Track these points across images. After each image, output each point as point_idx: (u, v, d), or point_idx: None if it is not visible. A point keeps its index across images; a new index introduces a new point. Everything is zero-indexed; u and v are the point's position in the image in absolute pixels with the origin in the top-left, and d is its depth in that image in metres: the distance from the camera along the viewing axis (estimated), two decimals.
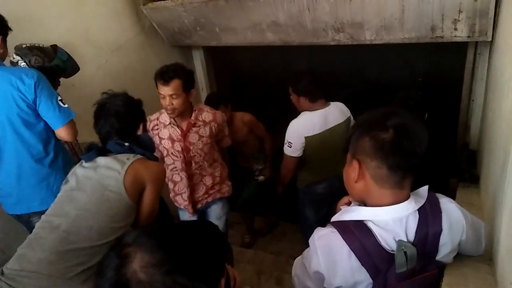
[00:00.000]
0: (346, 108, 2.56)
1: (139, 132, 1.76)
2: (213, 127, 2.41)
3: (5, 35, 2.07)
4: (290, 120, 2.45)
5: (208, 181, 2.51)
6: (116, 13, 2.97)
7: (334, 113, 2.46)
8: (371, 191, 1.04)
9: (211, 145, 2.45)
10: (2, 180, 2.08)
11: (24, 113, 1.95)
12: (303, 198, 2.72)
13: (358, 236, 1.01)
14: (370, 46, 2.61)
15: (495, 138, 1.66)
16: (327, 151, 2.43)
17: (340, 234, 1.03)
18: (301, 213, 2.78)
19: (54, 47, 2.38)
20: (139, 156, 1.66)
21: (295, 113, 2.50)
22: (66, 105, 2.04)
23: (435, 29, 2.28)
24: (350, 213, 1.08)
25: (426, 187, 1.08)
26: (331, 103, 2.49)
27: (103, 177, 1.56)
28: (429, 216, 1.03)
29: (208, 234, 1.16)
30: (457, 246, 1.11)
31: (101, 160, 1.62)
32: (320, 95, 2.42)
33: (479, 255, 1.23)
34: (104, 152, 1.66)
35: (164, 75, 2.15)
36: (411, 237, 1.02)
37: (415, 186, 1.09)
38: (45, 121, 2.01)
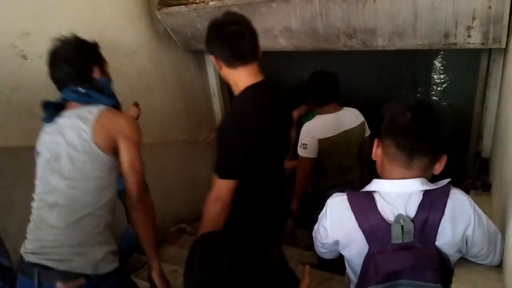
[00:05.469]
0: (360, 113, 2.56)
1: (96, 75, 1.68)
2: None
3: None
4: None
5: None
6: (130, 17, 3.02)
7: (347, 117, 2.46)
8: (384, 166, 1.17)
9: None
10: None
11: None
12: (315, 203, 2.69)
13: (362, 201, 1.15)
14: (378, 52, 2.61)
15: (508, 146, 1.64)
16: (339, 155, 2.44)
17: (347, 198, 1.18)
18: (311, 218, 2.75)
19: None
20: (101, 107, 1.54)
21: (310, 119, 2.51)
22: None
23: (448, 36, 2.26)
24: (367, 187, 1.20)
25: (447, 180, 1.14)
26: (345, 107, 2.49)
27: (72, 140, 1.48)
28: (434, 200, 1.09)
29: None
30: (462, 241, 1.11)
31: (62, 121, 1.52)
32: (329, 99, 2.42)
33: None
34: (61, 107, 1.56)
35: None
36: (411, 214, 1.09)
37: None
38: None
